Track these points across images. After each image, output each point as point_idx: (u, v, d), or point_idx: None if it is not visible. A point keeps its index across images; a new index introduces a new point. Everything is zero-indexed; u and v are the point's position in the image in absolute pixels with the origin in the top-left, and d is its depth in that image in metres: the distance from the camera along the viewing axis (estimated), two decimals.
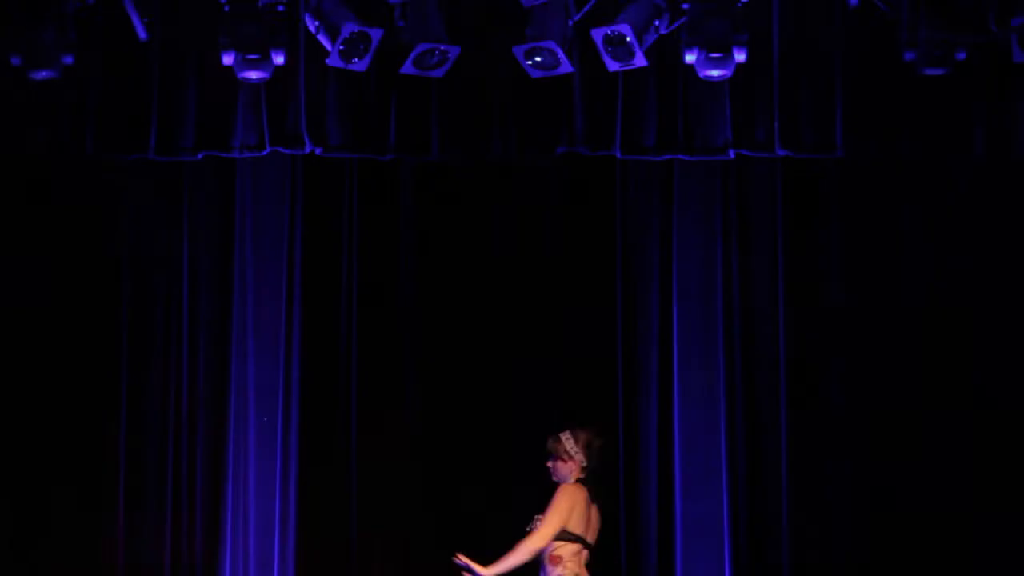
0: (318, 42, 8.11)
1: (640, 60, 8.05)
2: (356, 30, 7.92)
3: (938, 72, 8.09)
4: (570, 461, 7.63)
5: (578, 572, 7.55)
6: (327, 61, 8.09)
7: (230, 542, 8.80)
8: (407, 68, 8.11)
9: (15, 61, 8.00)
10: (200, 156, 8.44)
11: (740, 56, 8.02)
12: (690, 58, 8.06)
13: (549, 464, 7.67)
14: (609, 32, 7.95)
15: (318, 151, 8.45)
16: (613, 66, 8.09)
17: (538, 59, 8.07)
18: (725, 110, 8.36)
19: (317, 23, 8.03)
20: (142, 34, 8.15)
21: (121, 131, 8.36)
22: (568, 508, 7.53)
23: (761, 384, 8.84)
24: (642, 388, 8.89)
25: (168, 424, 8.83)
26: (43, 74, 7.99)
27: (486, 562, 7.58)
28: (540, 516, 7.53)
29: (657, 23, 8.04)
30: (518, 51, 8.06)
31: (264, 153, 8.46)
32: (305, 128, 8.37)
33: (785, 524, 8.69)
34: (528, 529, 7.55)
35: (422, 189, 8.91)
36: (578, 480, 7.62)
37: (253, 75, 8.09)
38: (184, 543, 8.80)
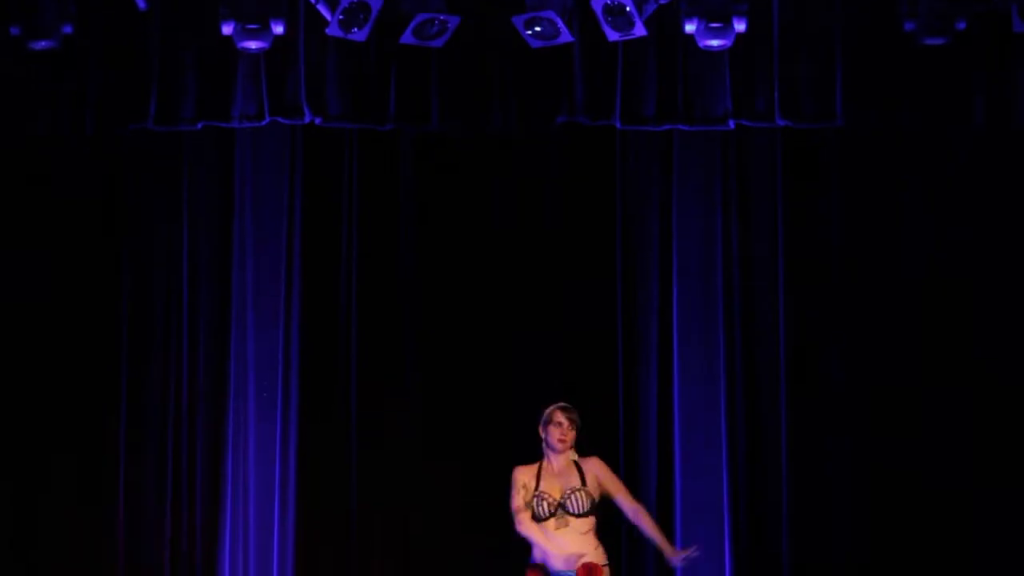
0: (318, 12, 8.10)
1: (640, 30, 8.05)
2: (356, 0, 7.92)
3: (938, 42, 8.09)
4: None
5: None
6: (327, 31, 8.10)
7: (230, 516, 8.81)
8: (407, 38, 8.11)
9: (14, 31, 7.99)
10: (200, 126, 8.44)
11: (740, 26, 8.02)
12: (690, 28, 8.07)
13: (574, 432, 7.47)
14: (609, 2, 7.95)
15: (317, 121, 8.45)
16: (613, 36, 8.09)
17: (538, 29, 8.07)
18: (725, 80, 8.36)
19: None
20: (141, 4, 8.13)
21: (121, 101, 8.37)
22: None
23: (761, 360, 8.83)
24: (642, 361, 8.88)
25: (168, 397, 8.84)
26: (42, 44, 8.00)
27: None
28: (578, 488, 7.38)
29: None
30: (518, 21, 8.05)
31: (263, 123, 8.46)
32: (304, 98, 8.37)
33: (785, 501, 8.68)
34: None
35: (422, 160, 8.88)
36: None
37: (253, 45, 8.09)
38: (184, 517, 8.80)
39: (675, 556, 7.52)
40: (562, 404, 7.45)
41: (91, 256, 8.80)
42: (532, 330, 8.82)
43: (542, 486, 7.34)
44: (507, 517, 7.38)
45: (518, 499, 7.34)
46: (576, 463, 7.43)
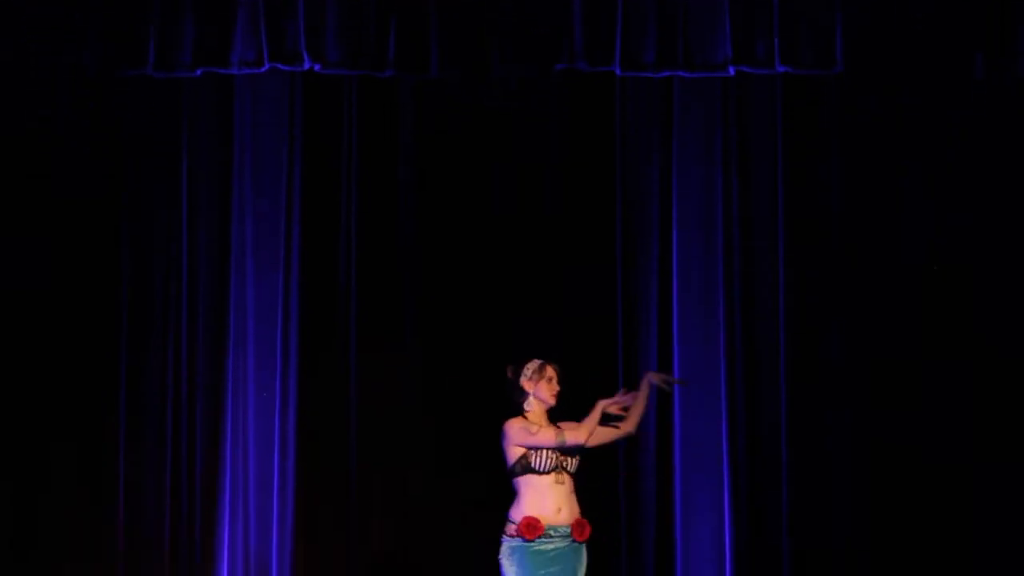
0: None
1: None
2: None
3: None
4: None
5: None
6: None
7: (229, 473, 8.78)
8: None
9: None
10: (198, 73, 8.44)
11: None
12: None
13: (560, 387, 7.42)
14: None
15: (317, 68, 8.45)
16: None
17: None
18: (725, 26, 8.37)
19: None
20: None
21: (120, 47, 8.37)
22: None
23: (760, 322, 8.80)
24: (642, 321, 8.85)
25: (167, 347, 8.81)
26: None
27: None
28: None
29: None
30: None
31: (263, 70, 8.46)
32: (304, 44, 8.37)
33: (784, 452, 8.64)
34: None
35: (422, 109, 8.85)
36: None
37: None
38: (183, 474, 8.77)
39: (655, 376, 7.49)
40: (549, 358, 7.40)
41: (89, 208, 8.78)
42: (531, 273, 8.80)
43: None
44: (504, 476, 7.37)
45: (537, 433, 7.26)
46: (553, 422, 7.39)
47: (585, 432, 7.22)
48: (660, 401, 8.69)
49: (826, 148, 8.83)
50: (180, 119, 8.81)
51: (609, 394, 7.33)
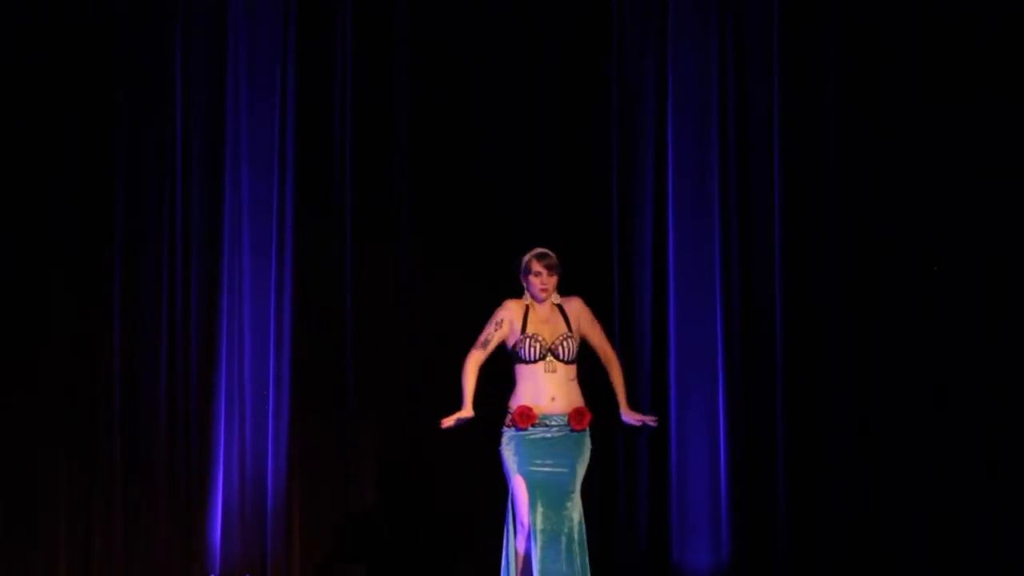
0: None
1: None
2: None
3: None
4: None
5: None
6: None
7: (225, 365, 8.82)
8: None
9: None
10: None
11: None
12: None
13: (555, 277, 7.42)
14: None
15: None
16: None
17: None
18: None
19: None
20: None
21: None
22: None
23: (756, 217, 8.77)
24: (636, 205, 8.85)
25: (162, 244, 8.82)
26: None
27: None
28: (568, 336, 7.32)
29: None
30: None
31: None
32: None
33: (779, 340, 8.64)
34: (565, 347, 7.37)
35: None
36: None
37: None
38: (180, 360, 8.81)
39: (630, 415, 7.48)
40: (537, 251, 7.39)
41: (84, 107, 8.79)
42: (527, 163, 8.81)
43: (531, 329, 7.34)
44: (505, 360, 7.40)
45: (488, 332, 7.34)
46: (559, 306, 7.42)
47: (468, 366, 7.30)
48: (655, 304, 8.75)
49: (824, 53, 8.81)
50: (174, 26, 8.84)
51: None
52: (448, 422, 7.27)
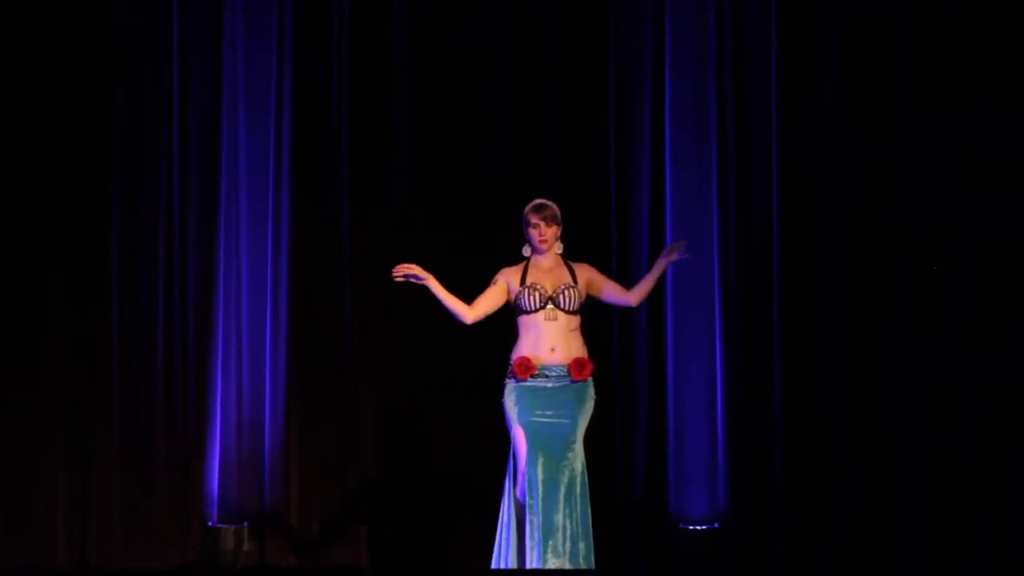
0: None
1: None
2: None
3: None
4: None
5: None
6: None
7: (222, 314, 8.82)
8: None
9: None
10: None
11: None
12: None
13: (554, 227, 7.39)
14: None
15: None
16: None
17: None
18: None
19: None
20: None
21: None
22: None
23: (753, 146, 8.75)
24: (634, 160, 8.84)
25: (160, 198, 8.81)
26: None
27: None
28: (570, 285, 7.29)
29: None
30: None
31: None
32: None
33: (776, 291, 8.64)
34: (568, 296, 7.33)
35: None
36: None
37: None
38: (176, 313, 8.81)
39: (667, 257, 7.37)
40: (535, 203, 7.37)
41: (82, 39, 8.78)
42: (524, 112, 8.79)
43: (531, 279, 7.34)
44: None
45: (487, 290, 7.36)
46: (566, 263, 7.42)
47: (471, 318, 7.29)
48: (651, 237, 8.75)
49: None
50: None
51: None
52: (399, 270, 7.22)
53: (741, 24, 8.75)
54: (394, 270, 7.23)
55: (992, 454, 8.39)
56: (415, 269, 7.23)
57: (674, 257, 7.35)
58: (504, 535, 7.29)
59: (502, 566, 7.26)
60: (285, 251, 8.82)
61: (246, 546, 8.70)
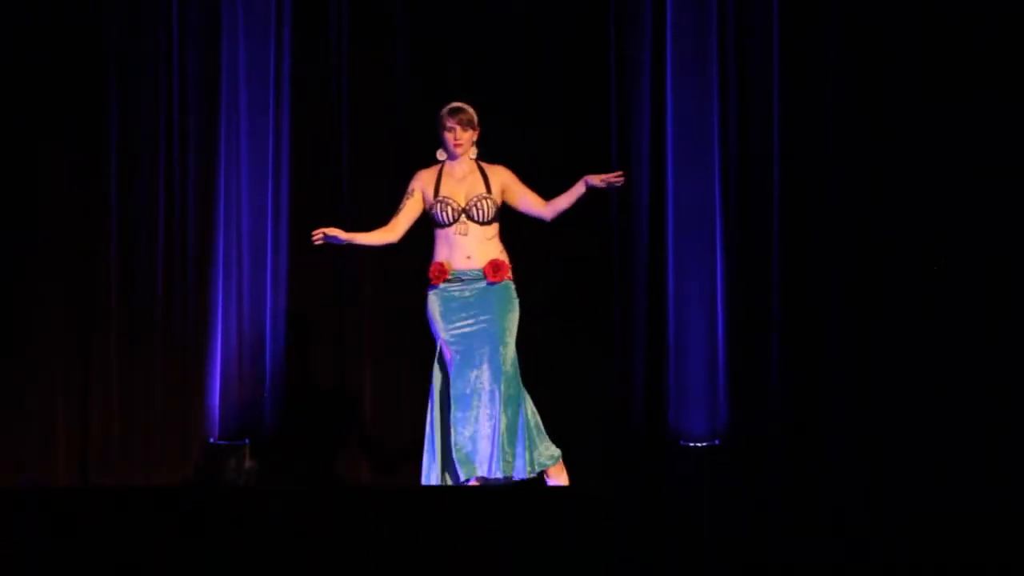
0: None
1: None
2: None
3: None
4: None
5: None
6: None
7: (223, 230, 8.82)
8: None
9: None
10: None
11: None
12: None
13: (470, 131, 7.29)
14: None
15: None
16: None
17: None
18: None
19: None
20: None
21: None
22: None
23: (753, 79, 8.76)
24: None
25: (159, 107, 8.81)
26: None
27: None
28: (484, 196, 7.22)
29: None
30: None
31: None
32: None
33: (776, 214, 8.67)
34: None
35: None
36: None
37: None
38: (176, 229, 8.82)
39: (591, 179, 7.18)
40: (452, 106, 7.28)
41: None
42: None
43: (443, 191, 7.26)
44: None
45: (404, 203, 7.30)
46: (480, 167, 7.34)
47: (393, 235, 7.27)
48: (653, 160, 8.74)
49: None
50: None
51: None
52: (318, 234, 7.19)
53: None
54: (312, 234, 7.21)
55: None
56: (333, 231, 7.20)
57: (597, 183, 7.17)
58: (429, 448, 7.24)
59: (431, 482, 7.20)
60: (286, 164, 8.84)
61: (247, 463, 8.69)
